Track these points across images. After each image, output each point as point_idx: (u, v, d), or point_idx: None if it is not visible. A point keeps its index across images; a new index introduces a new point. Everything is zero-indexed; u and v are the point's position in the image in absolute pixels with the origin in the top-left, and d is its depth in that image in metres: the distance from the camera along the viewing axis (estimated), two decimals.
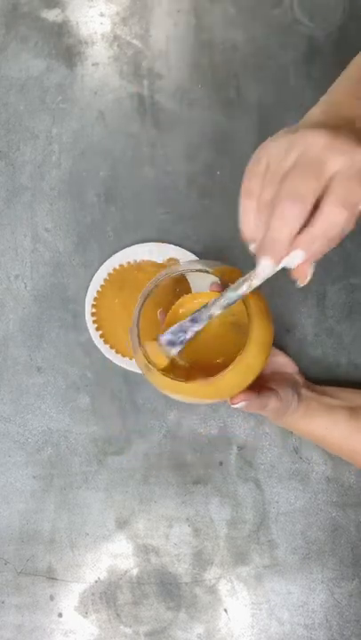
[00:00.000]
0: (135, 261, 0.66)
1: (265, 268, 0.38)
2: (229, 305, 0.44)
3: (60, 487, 0.65)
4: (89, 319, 0.65)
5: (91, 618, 0.63)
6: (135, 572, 0.64)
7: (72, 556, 0.64)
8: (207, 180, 0.67)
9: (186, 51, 0.69)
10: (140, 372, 0.64)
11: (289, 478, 0.64)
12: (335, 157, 0.35)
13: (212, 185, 0.67)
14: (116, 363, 0.64)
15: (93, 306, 0.65)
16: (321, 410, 0.57)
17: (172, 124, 0.68)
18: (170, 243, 0.66)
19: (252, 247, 0.40)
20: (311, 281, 0.40)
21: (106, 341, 0.65)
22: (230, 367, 0.45)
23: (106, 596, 0.64)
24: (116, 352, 0.64)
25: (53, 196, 0.68)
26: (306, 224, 0.36)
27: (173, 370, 0.49)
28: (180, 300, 0.54)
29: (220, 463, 0.64)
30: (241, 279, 0.42)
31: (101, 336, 0.65)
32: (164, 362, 0.48)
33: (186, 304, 0.54)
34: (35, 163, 0.68)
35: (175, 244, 0.66)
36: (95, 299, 0.65)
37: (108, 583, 0.64)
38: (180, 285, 0.61)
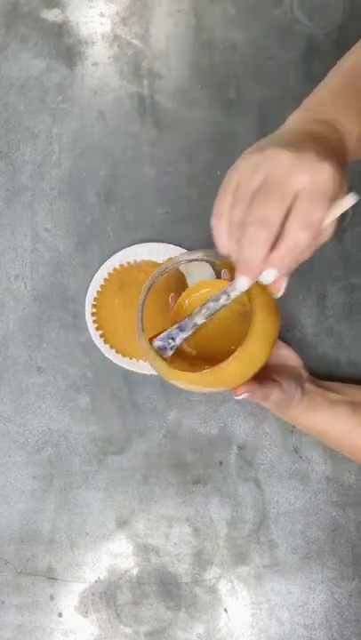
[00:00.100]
0: (135, 261, 0.66)
1: (242, 284, 0.41)
2: (211, 315, 0.47)
3: (60, 487, 0.65)
4: (89, 319, 0.65)
5: (91, 618, 0.63)
6: (135, 571, 0.64)
7: (72, 555, 0.64)
8: (207, 179, 0.67)
9: (186, 51, 0.69)
10: (140, 371, 0.64)
11: (289, 478, 0.64)
12: (298, 176, 0.37)
13: (212, 185, 0.66)
14: (116, 362, 0.64)
15: (93, 306, 0.65)
16: (324, 404, 0.58)
17: (172, 124, 0.68)
18: (170, 243, 0.66)
19: (232, 258, 0.42)
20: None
21: (106, 341, 0.65)
22: (231, 358, 0.45)
23: (106, 596, 0.64)
24: (116, 352, 0.64)
25: (53, 196, 0.68)
26: (276, 242, 0.38)
27: (180, 357, 0.51)
28: (189, 288, 0.56)
29: (220, 463, 0.64)
30: (220, 291, 0.45)
31: (101, 336, 0.65)
32: (161, 363, 0.49)
33: (194, 292, 0.56)
34: (35, 163, 0.68)
35: (175, 244, 0.66)
36: (95, 299, 0.65)
37: (108, 583, 0.64)
38: (177, 280, 0.61)
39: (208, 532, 0.64)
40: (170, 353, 0.49)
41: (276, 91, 0.67)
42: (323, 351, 0.65)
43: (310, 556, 0.63)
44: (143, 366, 0.64)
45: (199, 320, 0.48)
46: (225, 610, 0.63)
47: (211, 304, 0.47)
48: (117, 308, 0.65)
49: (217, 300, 0.46)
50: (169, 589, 0.63)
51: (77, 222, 0.67)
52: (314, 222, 0.37)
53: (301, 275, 0.64)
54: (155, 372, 0.51)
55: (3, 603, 0.64)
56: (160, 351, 0.49)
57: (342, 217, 0.45)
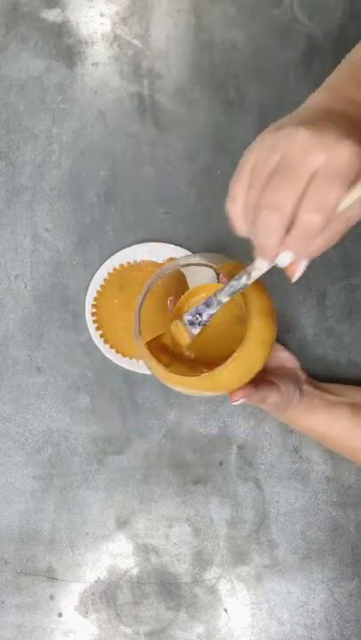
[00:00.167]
0: (135, 261, 0.66)
1: (261, 265, 0.42)
2: (234, 293, 0.46)
3: (60, 487, 0.65)
4: (89, 319, 0.65)
5: (91, 618, 0.63)
6: (135, 571, 0.64)
7: (72, 555, 0.64)
8: (207, 179, 0.67)
9: (186, 51, 0.69)
10: (140, 371, 0.64)
11: (289, 478, 0.64)
12: (314, 156, 0.35)
13: (212, 185, 0.67)
14: (116, 362, 0.64)
15: (93, 306, 0.65)
16: (322, 406, 0.57)
17: (172, 124, 0.68)
18: (170, 243, 0.66)
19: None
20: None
21: (106, 341, 0.65)
22: (227, 362, 0.45)
23: (106, 596, 0.64)
24: (116, 352, 0.64)
25: (53, 196, 0.68)
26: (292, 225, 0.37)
27: (178, 360, 0.50)
28: (189, 291, 0.56)
29: (220, 463, 0.64)
30: (243, 271, 0.44)
31: (101, 336, 0.65)
32: (186, 340, 0.50)
33: (193, 295, 0.55)
34: (35, 163, 0.68)
35: (175, 244, 0.66)
36: (95, 299, 0.65)
37: (108, 583, 0.64)
38: (178, 281, 0.61)
39: (208, 532, 0.64)
40: (198, 330, 0.49)
41: (276, 91, 0.67)
42: (323, 351, 0.65)
43: (310, 556, 0.63)
44: (143, 366, 0.64)
45: (223, 298, 0.47)
46: (225, 610, 0.63)
47: (234, 282, 0.45)
48: (117, 308, 0.65)
49: (239, 278, 0.44)
50: (169, 589, 0.63)
51: (77, 222, 0.67)
52: (328, 205, 0.35)
53: (301, 275, 0.64)
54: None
55: (3, 603, 0.64)
56: (189, 327, 0.49)
57: None
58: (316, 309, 0.65)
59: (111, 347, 0.65)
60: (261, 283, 0.48)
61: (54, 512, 0.65)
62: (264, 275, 0.43)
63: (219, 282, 0.57)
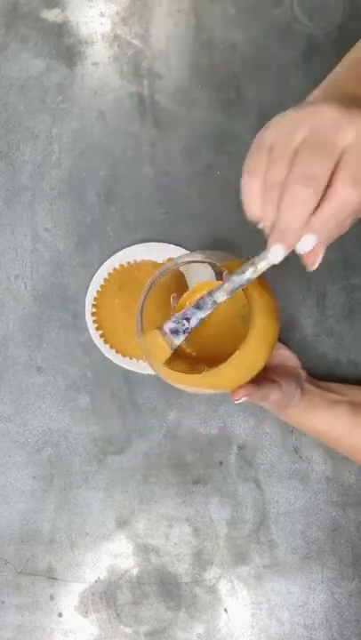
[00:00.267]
0: (135, 261, 0.66)
1: (277, 254, 0.37)
2: (235, 290, 0.42)
3: (60, 487, 0.65)
4: (89, 319, 0.65)
5: (91, 618, 0.63)
6: (135, 571, 0.64)
7: (72, 555, 0.64)
8: (207, 180, 0.67)
9: (186, 51, 0.69)
10: (140, 371, 0.64)
11: (289, 478, 0.64)
12: (346, 131, 0.34)
13: (212, 185, 0.67)
14: (116, 362, 0.64)
15: (93, 306, 0.65)
16: (323, 404, 0.57)
17: (172, 124, 0.68)
18: (170, 243, 0.66)
19: (260, 226, 0.38)
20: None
21: (106, 341, 0.65)
22: (228, 361, 0.45)
23: (106, 596, 0.64)
24: (116, 352, 0.64)
25: (53, 196, 0.68)
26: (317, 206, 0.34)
27: (179, 357, 0.50)
28: (191, 289, 0.55)
29: (220, 463, 0.64)
30: (248, 263, 0.41)
31: (101, 336, 0.65)
32: (166, 354, 0.47)
33: (195, 293, 0.54)
34: (35, 163, 0.68)
35: (175, 244, 0.66)
36: (95, 299, 0.65)
37: (108, 583, 0.64)
38: (177, 281, 0.61)
39: (208, 532, 0.64)
40: (182, 338, 0.46)
41: (276, 91, 0.67)
42: (323, 351, 0.65)
43: (310, 556, 0.63)
44: (143, 366, 0.64)
45: (221, 297, 0.43)
46: (225, 610, 0.63)
47: (235, 277, 0.41)
48: (117, 308, 0.65)
49: (242, 272, 0.41)
50: (169, 589, 0.63)
51: (77, 222, 0.67)
52: None
53: (301, 275, 0.64)
54: (154, 372, 0.51)
55: (3, 603, 0.64)
56: (171, 336, 0.45)
57: None
58: (316, 309, 0.65)
59: (111, 347, 0.65)
60: (266, 281, 0.48)
61: (54, 512, 0.65)
62: (263, 275, 0.42)
63: (222, 280, 0.56)
